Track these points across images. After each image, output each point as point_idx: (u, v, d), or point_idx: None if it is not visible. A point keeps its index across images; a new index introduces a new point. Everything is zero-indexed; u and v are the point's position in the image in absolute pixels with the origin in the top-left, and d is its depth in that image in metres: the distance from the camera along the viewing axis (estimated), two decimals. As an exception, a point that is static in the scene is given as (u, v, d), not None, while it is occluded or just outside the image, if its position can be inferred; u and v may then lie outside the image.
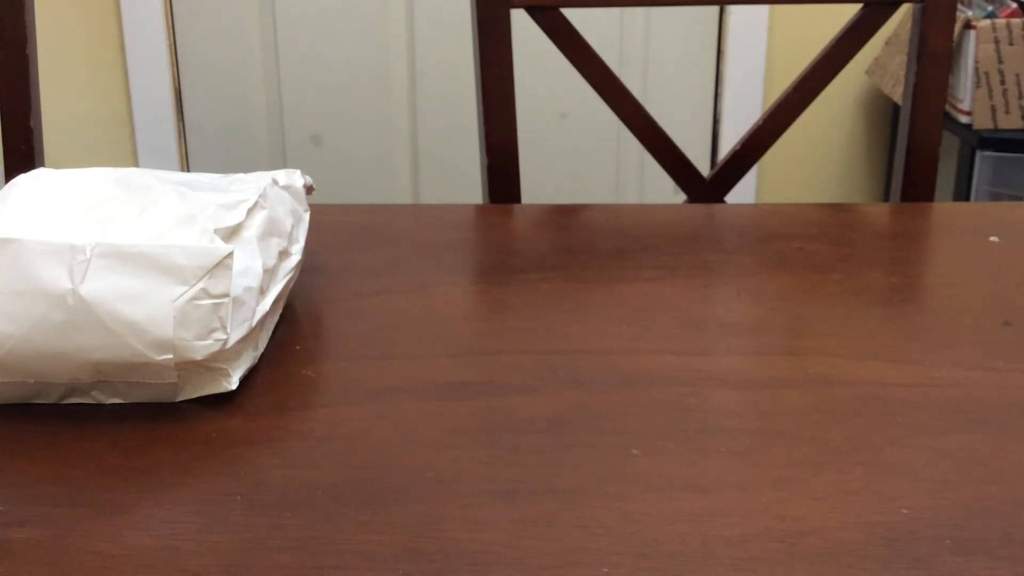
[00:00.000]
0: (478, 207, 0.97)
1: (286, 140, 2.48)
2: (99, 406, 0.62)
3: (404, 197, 2.52)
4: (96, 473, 0.55)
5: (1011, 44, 1.97)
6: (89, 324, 0.59)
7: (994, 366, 0.67)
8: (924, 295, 0.78)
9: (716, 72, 2.45)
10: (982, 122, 2.00)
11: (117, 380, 0.61)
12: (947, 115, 2.09)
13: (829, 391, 0.64)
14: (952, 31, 1.09)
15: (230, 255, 0.61)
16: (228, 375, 0.62)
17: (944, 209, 0.97)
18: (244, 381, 0.64)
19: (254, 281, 0.64)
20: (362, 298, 0.77)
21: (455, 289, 0.78)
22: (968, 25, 2.01)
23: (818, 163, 2.48)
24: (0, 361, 0.59)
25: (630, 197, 2.53)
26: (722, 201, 1.16)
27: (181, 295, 0.59)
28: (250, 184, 0.72)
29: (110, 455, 0.57)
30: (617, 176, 2.52)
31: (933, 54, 1.09)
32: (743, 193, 2.46)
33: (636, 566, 0.49)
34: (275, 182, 0.74)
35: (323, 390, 0.64)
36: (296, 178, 0.77)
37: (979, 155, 2.00)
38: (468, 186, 2.51)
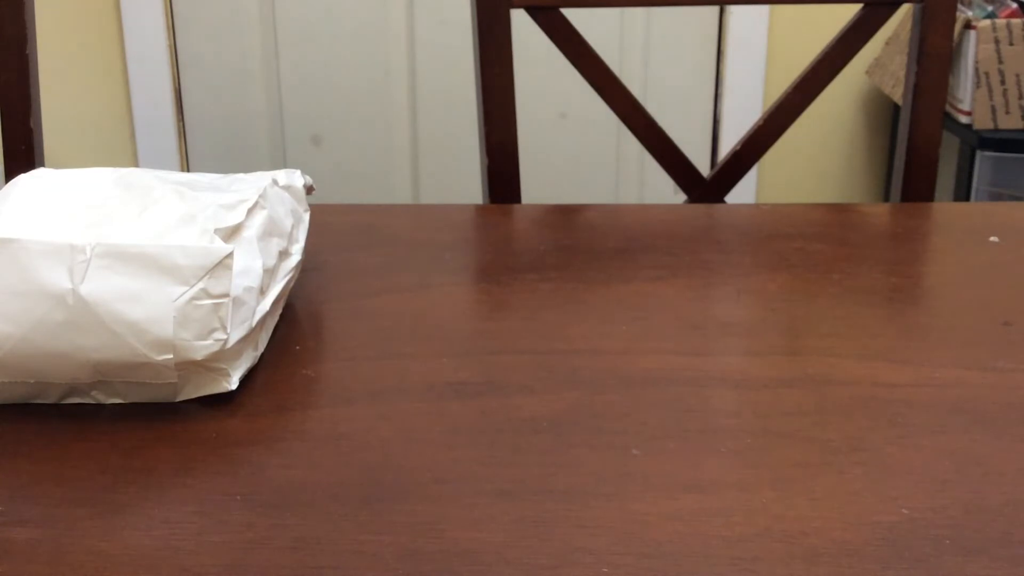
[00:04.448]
0: (478, 207, 0.97)
1: (286, 140, 2.48)
2: (99, 406, 0.62)
3: (404, 197, 2.52)
4: (96, 473, 0.55)
5: (1011, 44, 1.97)
6: (89, 324, 0.59)
7: (994, 366, 0.67)
8: (924, 295, 0.78)
9: (716, 72, 2.45)
10: (982, 122, 2.00)
11: (117, 380, 0.61)
12: (947, 115, 2.09)
13: (829, 391, 0.64)
14: (952, 31, 1.09)
15: (230, 255, 0.61)
16: (228, 375, 0.62)
17: (944, 209, 0.97)
18: (244, 381, 0.64)
19: (254, 281, 0.64)
20: (362, 298, 0.77)
21: (455, 289, 0.78)
22: (968, 25, 2.01)
23: (818, 163, 2.48)
24: (0, 361, 0.59)
25: (630, 197, 2.53)
26: (722, 201, 1.16)
27: (181, 295, 0.59)
28: (250, 184, 0.72)
29: (110, 455, 0.57)
30: (617, 176, 2.52)
31: (933, 54, 1.09)
32: (743, 193, 2.46)
33: (636, 566, 0.49)
34: (275, 182, 0.74)
35: (323, 390, 0.64)
36: (296, 178, 0.77)
37: (979, 155, 2.00)
38: (468, 186, 2.51)
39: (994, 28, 1.96)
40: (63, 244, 0.60)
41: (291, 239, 0.73)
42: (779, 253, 0.85)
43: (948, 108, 2.10)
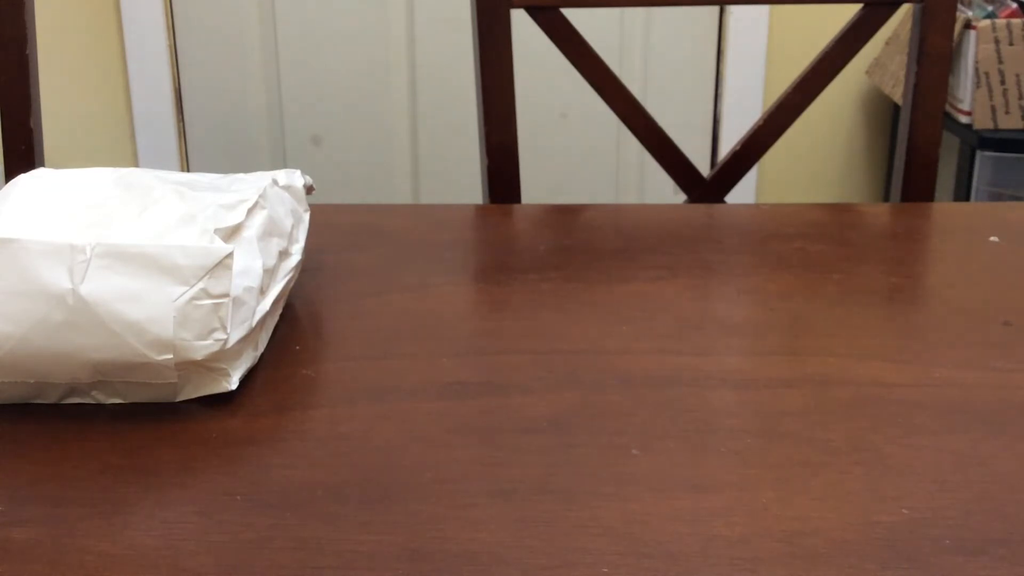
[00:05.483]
0: (478, 207, 0.97)
1: (286, 140, 2.48)
2: (99, 406, 0.62)
3: (404, 197, 2.52)
4: (96, 473, 0.55)
5: (1011, 44, 1.97)
6: (89, 324, 0.59)
7: (994, 366, 0.67)
8: (924, 295, 0.78)
9: (716, 72, 2.45)
10: (982, 122, 2.00)
11: (117, 380, 0.61)
12: (947, 115, 2.09)
13: (829, 391, 0.64)
14: (952, 31, 1.09)
15: (230, 255, 0.61)
16: (228, 375, 0.62)
17: (944, 209, 0.97)
18: (244, 381, 0.64)
19: (254, 281, 0.64)
20: (362, 298, 0.77)
21: (455, 289, 0.78)
22: (968, 25, 2.01)
23: (818, 163, 2.48)
24: (0, 361, 0.59)
25: (630, 197, 2.53)
26: (722, 201, 1.16)
27: (181, 295, 0.59)
28: (250, 184, 0.72)
29: (110, 455, 0.57)
30: (617, 176, 2.52)
31: (933, 54, 1.09)
32: (743, 193, 2.46)
33: (636, 566, 0.49)
34: (275, 182, 0.74)
35: (323, 390, 0.64)
36: (296, 178, 0.77)
37: (979, 155, 2.00)
38: (468, 186, 2.51)
39: (994, 28, 1.96)
40: (63, 244, 0.60)
41: (291, 239, 0.73)
42: (779, 253, 0.85)
43: (948, 108, 2.10)
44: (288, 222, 0.73)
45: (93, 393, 0.62)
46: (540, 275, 0.80)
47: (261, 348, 0.67)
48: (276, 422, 0.60)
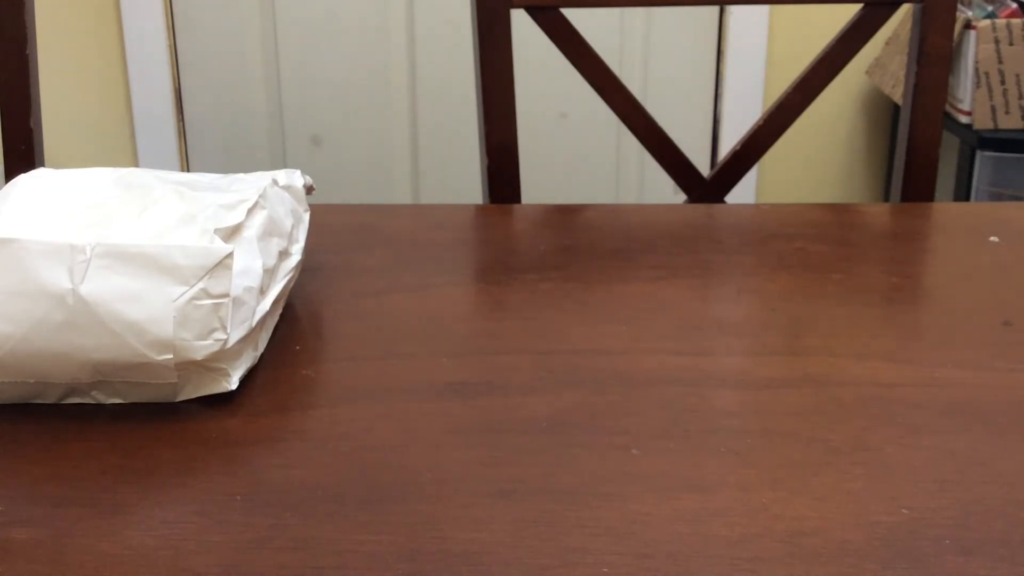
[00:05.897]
0: (478, 207, 0.97)
1: (286, 140, 2.48)
2: (99, 406, 0.62)
3: (404, 197, 2.52)
4: (96, 473, 0.55)
5: (1011, 44, 1.97)
6: (89, 324, 0.59)
7: (994, 366, 0.67)
8: (924, 295, 0.78)
9: (716, 72, 2.45)
10: (982, 122, 2.00)
11: (117, 380, 0.61)
12: (947, 115, 2.09)
13: (829, 391, 0.64)
14: (952, 31, 1.09)
15: (230, 255, 0.61)
16: (228, 375, 0.62)
17: (944, 209, 0.97)
18: (244, 381, 0.64)
19: (254, 281, 0.64)
20: (362, 298, 0.77)
21: (455, 289, 0.78)
22: (968, 25, 2.01)
23: (818, 163, 2.48)
24: (0, 361, 0.59)
25: (630, 197, 2.53)
26: (722, 201, 1.16)
27: (181, 295, 0.59)
28: (250, 184, 0.72)
29: (110, 455, 0.57)
30: (617, 176, 2.52)
31: (933, 54, 1.09)
32: (743, 193, 2.46)
33: (636, 566, 0.49)
34: (275, 182, 0.74)
35: (323, 390, 0.64)
36: (296, 178, 0.77)
37: (979, 155, 2.00)
38: (468, 186, 2.51)
39: (994, 28, 1.96)
40: (63, 244, 0.60)
41: (291, 239, 0.73)
42: (779, 253, 0.85)
43: (948, 108, 2.10)
44: (288, 222, 0.73)
45: (93, 393, 0.62)
46: (540, 275, 0.80)
47: (261, 348, 0.67)
48: (276, 422, 0.60)
